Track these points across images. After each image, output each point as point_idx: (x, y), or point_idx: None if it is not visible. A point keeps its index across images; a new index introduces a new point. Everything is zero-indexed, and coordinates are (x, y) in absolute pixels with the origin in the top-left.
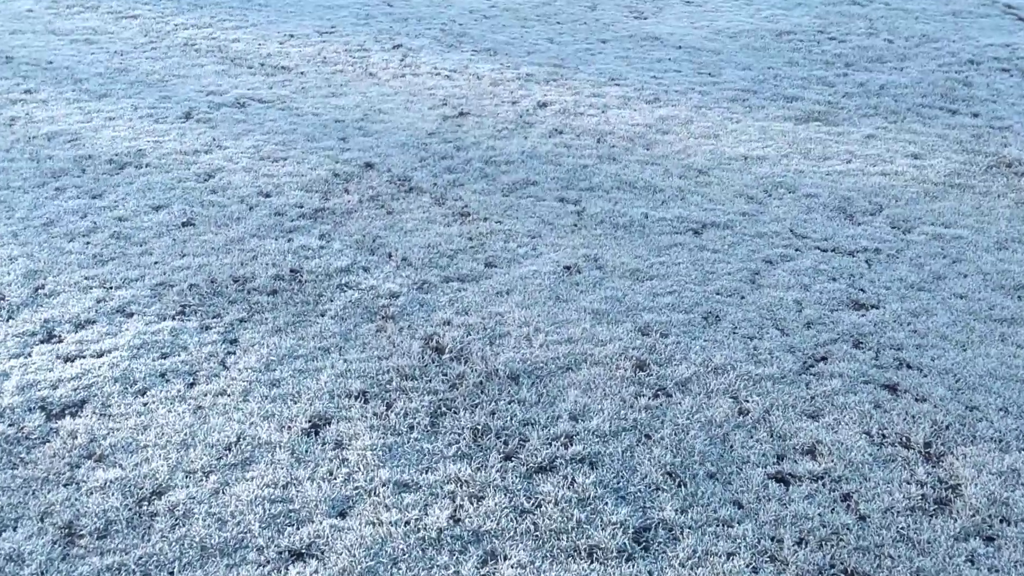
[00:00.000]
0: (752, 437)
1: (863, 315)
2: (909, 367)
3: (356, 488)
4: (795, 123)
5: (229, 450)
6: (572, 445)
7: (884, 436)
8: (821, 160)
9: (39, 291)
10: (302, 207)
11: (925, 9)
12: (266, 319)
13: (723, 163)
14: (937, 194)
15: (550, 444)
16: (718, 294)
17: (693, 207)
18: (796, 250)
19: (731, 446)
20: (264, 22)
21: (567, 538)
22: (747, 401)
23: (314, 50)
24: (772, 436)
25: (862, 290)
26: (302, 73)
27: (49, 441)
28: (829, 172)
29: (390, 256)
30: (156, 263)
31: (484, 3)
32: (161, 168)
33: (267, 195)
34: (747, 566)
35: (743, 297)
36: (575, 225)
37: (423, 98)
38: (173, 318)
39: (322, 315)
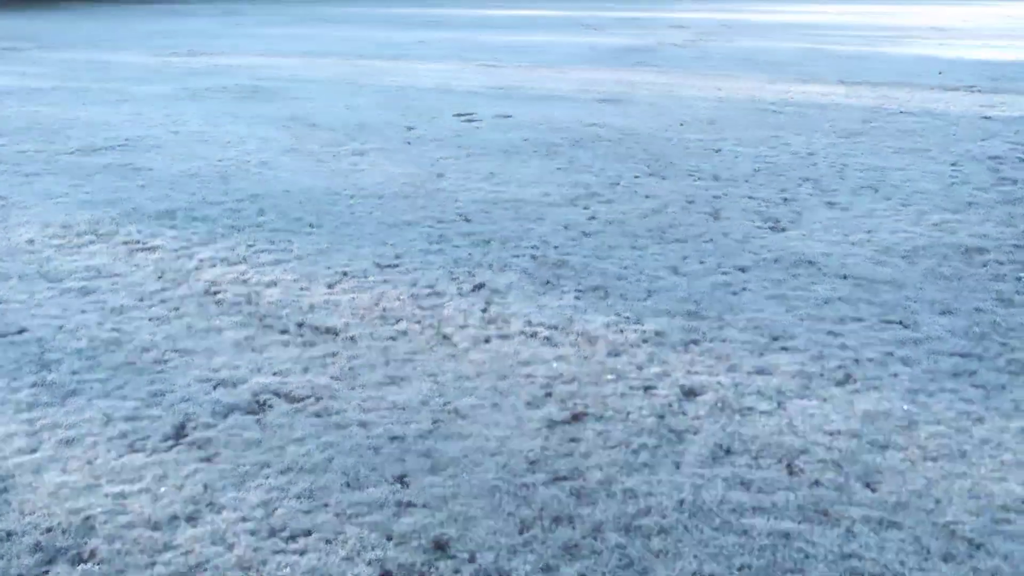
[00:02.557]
0: None
1: None
2: None
3: None
4: None
5: None
6: None
7: None
8: None
9: None
10: None
11: None
12: None
13: (998, 519)
14: None
15: None
16: None
17: None
18: None
19: None
20: (312, 252)
21: None
22: None
23: (371, 297)
24: None
25: None
26: (351, 339)
27: None
28: None
29: None
30: None
31: (581, 215)
32: (108, 567)
33: None
34: None
35: None
36: None
37: (518, 384)
38: None
39: None
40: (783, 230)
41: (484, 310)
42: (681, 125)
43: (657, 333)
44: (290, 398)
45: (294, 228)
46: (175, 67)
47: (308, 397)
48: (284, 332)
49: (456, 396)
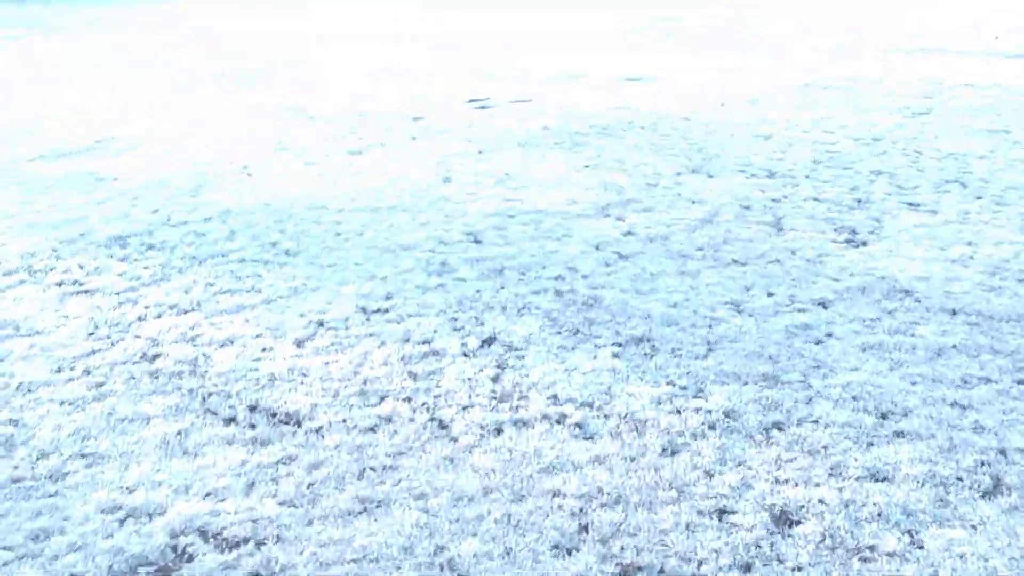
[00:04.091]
0: None
1: None
2: None
3: None
4: None
5: None
6: None
7: None
8: None
9: None
10: None
11: None
12: None
13: None
14: None
15: None
16: None
17: None
18: None
19: None
20: (285, 292)
21: None
22: None
23: (350, 362)
24: None
25: None
26: (318, 431)
27: None
28: None
29: None
30: None
31: (614, 228)
32: None
33: None
34: None
35: None
36: None
37: (540, 510)
38: None
39: None
40: (863, 244)
41: (495, 378)
42: (722, 106)
43: (727, 414)
44: (220, 542)
45: (266, 257)
46: (176, 52)
47: (246, 541)
48: (230, 421)
49: (453, 536)
